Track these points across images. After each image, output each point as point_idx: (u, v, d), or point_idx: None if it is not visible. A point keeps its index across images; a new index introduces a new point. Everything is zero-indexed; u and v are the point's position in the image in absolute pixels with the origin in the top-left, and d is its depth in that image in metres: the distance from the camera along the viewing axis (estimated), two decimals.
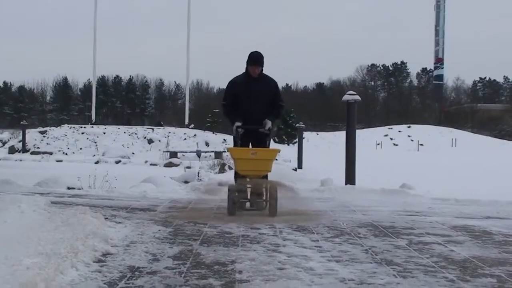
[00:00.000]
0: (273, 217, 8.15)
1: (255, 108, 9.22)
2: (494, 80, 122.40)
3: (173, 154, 34.87)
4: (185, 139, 40.52)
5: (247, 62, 9.31)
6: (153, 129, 44.70)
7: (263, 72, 9.42)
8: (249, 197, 8.92)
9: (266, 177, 8.93)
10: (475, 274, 5.11)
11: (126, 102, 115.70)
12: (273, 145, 10.03)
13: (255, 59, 9.29)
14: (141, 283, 4.65)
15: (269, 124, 9.19)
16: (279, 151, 8.79)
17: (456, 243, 6.62)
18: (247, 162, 8.61)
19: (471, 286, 4.70)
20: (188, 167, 22.25)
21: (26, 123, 42.30)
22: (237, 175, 9.02)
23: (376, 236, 7.04)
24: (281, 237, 6.70)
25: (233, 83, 9.45)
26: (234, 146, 9.25)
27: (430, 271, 5.21)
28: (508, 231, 7.50)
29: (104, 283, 4.62)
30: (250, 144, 9.37)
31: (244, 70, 9.43)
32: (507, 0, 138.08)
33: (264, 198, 8.67)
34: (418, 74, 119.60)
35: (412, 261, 5.60)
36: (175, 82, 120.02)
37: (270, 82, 9.49)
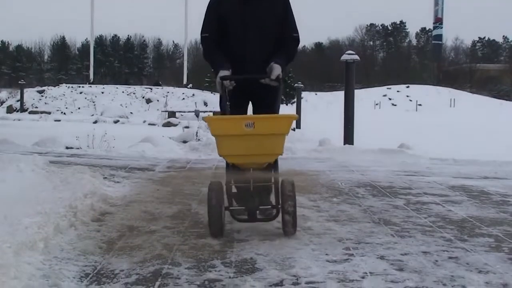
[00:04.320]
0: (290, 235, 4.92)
1: (253, 43, 5.39)
2: (493, 40, 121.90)
3: (172, 114, 34.80)
4: (183, 98, 40.38)
5: None
6: (151, 88, 44.50)
7: None
8: (247, 202, 5.08)
9: (274, 165, 5.18)
10: (473, 234, 5.13)
11: (124, 62, 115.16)
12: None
13: None
14: (140, 242, 4.67)
15: (277, 70, 5.18)
16: (295, 118, 4.97)
17: (454, 203, 6.63)
18: (239, 141, 4.83)
19: (468, 245, 4.72)
20: (187, 127, 22.20)
21: (24, 82, 42.11)
22: (228, 164, 5.26)
23: (374, 196, 7.06)
24: None
25: (216, 1, 5.55)
26: (221, 111, 5.46)
27: (428, 230, 5.23)
28: (506, 191, 7.51)
29: (103, 242, 4.64)
30: (246, 109, 5.70)
31: None
32: None
33: (274, 203, 5.10)
34: (417, 34, 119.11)
35: (410, 221, 5.62)
36: (173, 41, 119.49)
37: None
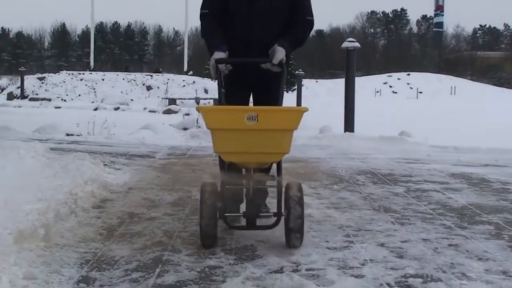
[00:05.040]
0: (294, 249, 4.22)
1: (259, 24, 4.75)
2: (494, 27, 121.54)
3: (172, 101, 34.80)
4: (184, 86, 40.35)
5: None
6: (152, 75, 44.48)
7: None
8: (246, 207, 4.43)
9: (277, 166, 4.38)
10: (473, 221, 5.13)
11: (124, 49, 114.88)
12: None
13: None
14: (140, 229, 4.68)
15: (280, 54, 4.52)
16: (305, 111, 4.18)
17: (454, 190, 6.64)
18: (240, 136, 4.11)
19: (468, 233, 4.72)
20: (187, 114, 22.20)
21: (24, 69, 42.10)
22: (224, 164, 4.46)
23: (375, 183, 7.06)
24: None
25: None
26: (219, 102, 4.80)
27: (428, 218, 5.23)
28: (506, 178, 7.52)
29: (103, 229, 4.65)
30: (247, 100, 5.10)
31: None
32: None
33: (276, 209, 4.27)
34: (418, 21, 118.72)
35: (410, 208, 5.62)
36: (173, 28, 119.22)
37: None
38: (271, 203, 4.94)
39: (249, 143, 4.09)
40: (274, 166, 4.42)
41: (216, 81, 4.66)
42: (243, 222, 4.34)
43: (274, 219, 4.21)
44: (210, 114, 4.13)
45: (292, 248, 4.15)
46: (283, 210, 4.20)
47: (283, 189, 4.26)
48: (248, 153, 4.16)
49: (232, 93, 4.67)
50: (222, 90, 4.58)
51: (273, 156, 4.26)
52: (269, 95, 4.77)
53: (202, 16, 4.89)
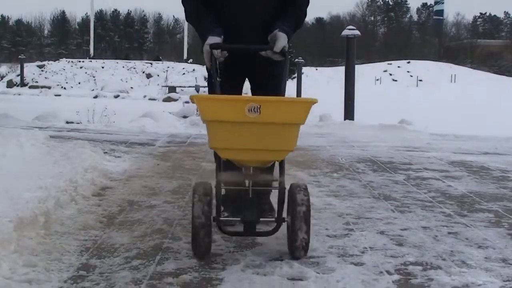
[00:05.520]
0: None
1: (252, 4, 4.23)
2: (495, 15, 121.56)
3: (172, 89, 34.78)
4: (184, 73, 40.32)
5: None
6: (151, 63, 44.45)
7: None
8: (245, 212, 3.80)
9: (280, 164, 3.82)
10: (472, 209, 5.13)
11: (124, 37, 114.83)
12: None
13: None
14: (140, 217, 4.68)
15: (282, 40, 3.99)
16: (314, 102, 3.69)
17: (454, 178, 6.64)
18: (240, 130, 3.60)
19: (468, 221, 4.72)
20: (187, 102, 22.11)
21: (24, 57, 42.05)
22: (220, 161, 3.87)
23: (375, 171, 7.07)
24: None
25: None
26: (209, 91, 4.38)
27: (428, 206, 5.24)
28: (506, 166, 7.52)
29: (103, 217, 4.65)
30: (240, 90, 4.56)
31: None
32: None
33: (276, 214, 3.85)
34: (418, 9, 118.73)
35: (410, 196, 5.63)
36: (173, 16, 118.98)
37: None
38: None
39: (250, 138, 3.58)
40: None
41: (210, 69, 4.04)
42: (240, 226, 3.80)
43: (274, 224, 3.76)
44: (205, 104, 3.61)
45: (296, 260, 3.62)
46: (285, 215, 3.76)
47: (286, 191, 3.77)
48: (248, 150, 3.64)
49: (225, 82, 4.03)
50: (218, 79, 3.91)
51: (277, 154, 3.74)
52: (269, 86, 4.20)
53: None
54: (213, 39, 4.00)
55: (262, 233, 3.79)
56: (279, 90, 4.04)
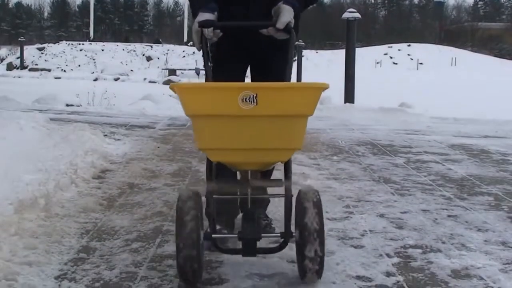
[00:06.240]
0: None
1: None
2: None
3: (172, 72, 34.73)
4: (184, 56, 40.30)
5: None
6: (151, 46, 44.40)
7: None
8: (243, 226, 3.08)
9: (285, 167, 3.14)
10: (472, 192, 5.14)
11: (124, 19, 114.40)
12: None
13: None
14: (140, 199, 4.68)
15: (287, 14, 3.21)
16: (325, 87, 2.94)
17: (454, 161, 6.65)
18: (233, 126, 2.90)
19: (468, 204, 4.73)
20: None
21: (24, 39, 41.97)
22: (211, 165, 3.19)
23: (375, 154, 7.07)
24: None
25: None
26: (206, 78, 3.43)
27: (428, 189, 5.24)
28: (506, 150, 7.53)
29: (104, 199, 4.65)
30: (243, 78, 3.76)
31: None
32: None
33: (284, 230, 3.08)
34: None
35: (410, 179, 5.63)
36: None
37: None
38: (272, 212, 4.12)
39: (246, 135, 2.88)
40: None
41: (202, 52, 3.30)
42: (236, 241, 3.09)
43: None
44: (189, 94, 2.92)
45: (308, 282, 3.02)
46: (293, 229, 3.07)
47: (294, 199, 3.09)
48: (244, 150, 2.94)
49: (221, 67, 3.42)
50: (209, 64, 3.24)
51: (280, 154, 3.01)
52: (272, 71, 3.61)
53: None
54: (202, 16, 3.28)
55: (265, 250, 3.16)
56: (284, 76, 3.27)
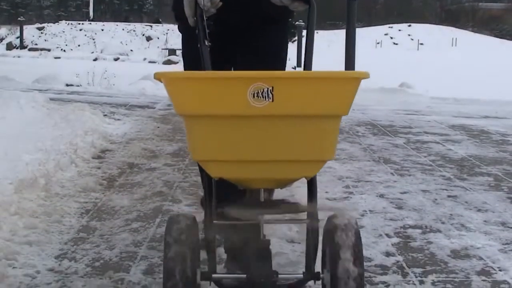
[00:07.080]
0: None
1: None
2: None
3: (172, 52, 34.57)
4: None
5: None
6: (151, 26, 44.21)
7: None
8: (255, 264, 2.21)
9: (308, 188, 2.37)
10: (472, 173, 5.14)
11: None
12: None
13: None
14: (140, 179, 4.69)
15: None
16: (365, 77, 2.06)
17: (454, 142, 6.65)
18: (240, 130, 2.05)
19: (468, 184, 4.73)
20: None
21: (23, 19, 41.79)
22: (210, 181, 2.28)
23: (375, 134, 7.07)
24: None
25: None
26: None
27: (428, 169, 5.25)
28: (506, 130, 7.53)
29: (103, 179, 4.66)
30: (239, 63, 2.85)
31: None
32: None
33: (305, 269, 2.34)
34: None
35: (410, 160, 5.63)
36: None
37: None
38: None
39: (257, 142, 2.08)
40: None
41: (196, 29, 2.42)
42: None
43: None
44: (179, 87, 2.21)
45: None
46: (320, 268, 2.34)
47: (321, 229, 2.38)
48: (255, 163, 2.12)
49: (217, 48, 2.50)
50: (207, 43, 2.35)
51: (304, 167, 2.20)
52: (268, 55, 2.81)
53: None
54: None
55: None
56: (278, 63, 2.77)
